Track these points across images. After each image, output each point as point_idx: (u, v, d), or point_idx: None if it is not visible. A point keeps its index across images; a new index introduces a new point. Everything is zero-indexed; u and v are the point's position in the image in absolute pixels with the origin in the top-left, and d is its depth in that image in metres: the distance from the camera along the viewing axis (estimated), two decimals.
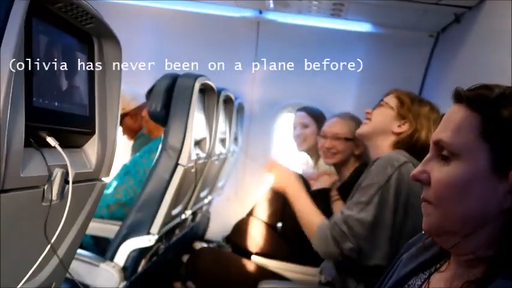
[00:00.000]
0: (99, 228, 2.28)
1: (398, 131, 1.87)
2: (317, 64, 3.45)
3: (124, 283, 1.86)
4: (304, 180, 2.80)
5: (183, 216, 2.36)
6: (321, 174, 2.70)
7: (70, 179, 0.95)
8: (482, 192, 0.79)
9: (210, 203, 3.16)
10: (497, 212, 0.78)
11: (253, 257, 2.58)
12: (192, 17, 3.45)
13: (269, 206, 2.92)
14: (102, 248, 2.13)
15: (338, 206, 2.43)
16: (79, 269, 1.82)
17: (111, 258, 1.92)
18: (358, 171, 2.51)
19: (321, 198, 2.54)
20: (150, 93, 2.75)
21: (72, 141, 1.05)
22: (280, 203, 2.82)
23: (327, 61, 3.38)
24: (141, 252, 1.97)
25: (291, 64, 3.41)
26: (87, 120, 1.09)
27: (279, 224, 2.93)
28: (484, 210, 0.79)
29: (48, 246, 0.92)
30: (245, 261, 2.43)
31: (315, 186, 2.66)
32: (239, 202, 3.69)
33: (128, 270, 1.91)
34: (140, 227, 1.94)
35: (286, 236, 2.68)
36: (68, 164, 0.94)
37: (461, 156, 0.81)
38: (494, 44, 2.24)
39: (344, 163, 2.67)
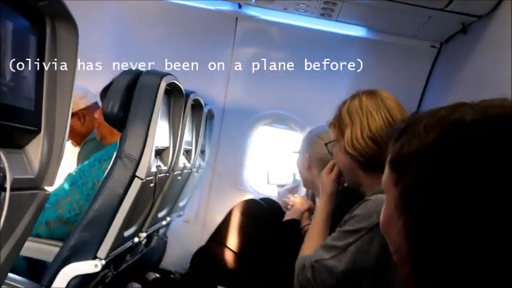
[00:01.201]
0: (35, 248, 2.20)
1: (351, 152, 1.87)
2: (302, 69, 3.47)
3: None
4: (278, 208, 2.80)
5: (136, 240, 2.31)
6: (293, 204, 2.72)
7: (8, 185, 0.91)
8: None
9: (168, 225, 3.11)
10: None
11: None
12: (160, 6, 3.41)
13: (235, 231, 2.89)
14: (37, 273, 2.07)
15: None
16: None
17: (48, 286, 1.86)
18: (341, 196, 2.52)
19: (290, 230, 2.54)
20: (105, 92, 2.70)
21: (11, 139, 1.01)
22: (253, 228, 2.79)
23: (315, 66, 3.40)
24: (85, 279, 1.92)
25: (272, 67, 3.41)
26: (32, 115, 1.05)
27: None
28: None
29: None
30: None
31: (286, 216, 2.67)
32: (201, 225, 3.64)
33: None
34: (85, 250, 1.89)
35: (258, 267, 2.65)
36: (6, 167, 0.90)
37: None
38: (504, 59, 2.27)
39: None
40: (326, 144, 2.20)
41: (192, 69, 3.07)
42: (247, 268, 2.65)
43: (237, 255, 2.78)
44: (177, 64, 3.01)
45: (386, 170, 0.93)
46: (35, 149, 1.07)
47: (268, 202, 3.02)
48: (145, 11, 3.45)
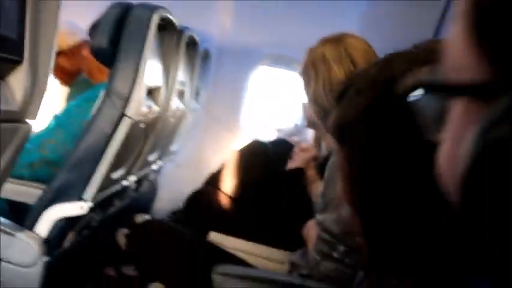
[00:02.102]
0: (18, 190, 2.23)
1: (313, 106, 1.90)
2: (309, 7, 3.45)
3: (45, 258, 1.85)
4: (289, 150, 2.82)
5: (124, 183, 2.35)
6: (296, 152, 2.73)
7: None
8: None
9: (159, 170, 3.15)
10: None
11: (211, 234, 2.59)
12: None
13: (234, 175, 2.92)
14: (20, 216, 2.11)
15: (316, 190, 2.46)
16: None
17: (31, 228, 1.90)
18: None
19: (294, 181, 2.57)
20: (94, 28, 2.70)
21: None
22: (249, 173, 2.82)
23: (320, 7, 3.37)
24: (69, 222, 1.96)
25: (274, 4, 3.39)
26: (14, 44, 1.07)
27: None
28: None
29: None
30: (200, 239, 2.44)
31: (290, 165, 2.68)
32: (195, 170, 3.67)
33: (51, 243, 1.89)
34: (70, 191, 1.92)
35: (253, 213, 2.70)
36: None
37: None
38: None
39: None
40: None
41: (188, 4, 3.04)
42: (244, 215, 2.69)
43: (234, 201, 2.82)
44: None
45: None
46: (18, 81, 1.09)
47: (278, 144, 3.02)
48: None
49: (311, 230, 2.00)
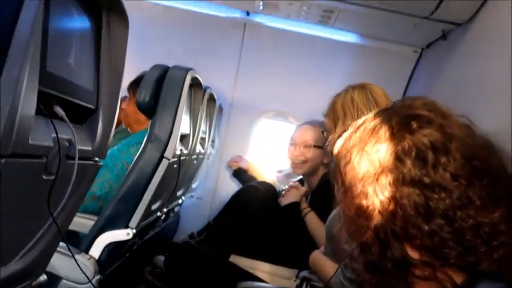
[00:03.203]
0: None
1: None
2: (301, 70, 3.49)
3: (98, 276, 1.81)
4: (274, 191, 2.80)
5: (158, 214, 2.32)
6: (289, 189, 2.71)
7: (76, 153, 0.92)
8: None
9: (182, 203, 3.12)
10: None
11: (232, 256, 2.55)
12: (177, 13, 3.40)
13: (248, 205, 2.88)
14: (71, 243, 2.07)
15: (311, 219, 2.44)
16: (52, 259, 1.76)
17: (86, 251, 1.87)
18: (326, 179, 2.55)
19: (291, 213, 2.55)
20: (132, 85, 2.69)
21: (75, 115, 1.01)
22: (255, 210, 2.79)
23: (312, 68, 3.42)
24: (118, 246, 1.93)
25: (275, 68, 3.43)
26: (92, 95, 1.06)
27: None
28: None
29: (50, 220, 0.88)
30: (224, 260, 2.41)
31: (284, 201, 2.66)
32: (209, 204, 3.64)
33: (102, 264, 1.86)
34: (119, 220, 1.90)
35: (265, 237, 2.67)
36: (75, 138, 0.91)
37: None
38: (478, 63, 2.28)
39: (313, 172, 2.70)
40: (322, 132, 2.20)
41: (205, 68, 3.06)
42: (257, 241, 2.66)
43: (248, 228, 2.78)
44: (194, 62, 3.00)
45: None
46: (93, 125, 1.08)
47: (264, 185, 3.01)
48: (159, 17, 3.44)
49: (320, 260, 1.96)
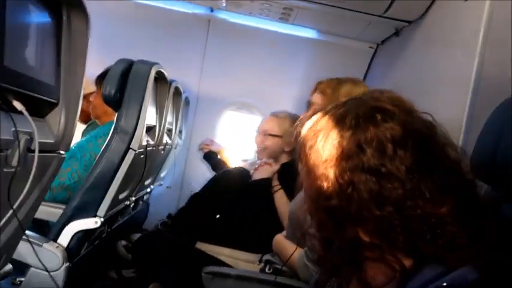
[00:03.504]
0: (40, 210, 2.13)
1: None
2: (263, 65, 3.49)
3: (67, 264, 1.77)
4: (246, 174, 2.79)
5: (127, 202, 2.28)
6: (262, 164, 2.71)
7: (36, 146, 0.89)
8: None
9: (150, 192, 3.08)
10: None
11: (198, 243, 2.53)
12: (142, 9, 3.33)
13: (212, 196, 2.86)
14: (41, 231, 2.02)
15: (280, 196, 2.44)
16: (20, 248, 1.71)
17: (55, 239, 1.82)
18: (285, 166, 2.58)
19: (263, 189, 2.55)
20: (99, 78, 2.64)
21: (36, 109, 0.98)
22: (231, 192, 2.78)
23: (273, 62, 3.43)
24: (86, 234, 1.89)
25: (238, 62, 3.42)
26: (53, 89, 1.03)
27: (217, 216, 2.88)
28: None
29: (11, 211, 0.85)
30: (189, 246, 2.39)
31: (256, 175, 2.66)
32: (178, 193, 3.62)
33: (71, 252, 1.82)
34: (87, 209, 1.85)
35: (227, 225, 2.66)
36: (35, 131, 0.88)
37: None
38: (428, 58, 2.31)
39: (275, 159, 2.72)
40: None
41: (171, 63, 3.02)
42: (222, 226, 2.64)
43: (214, 215, 2.76)
44: (160, 56, 2.95)
45: None
46: (54, 119, 1.05)
47: (237, 169, 2.99)
48: (126, 13, 3.38)
49: (282, 243, 1.96)
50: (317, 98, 1.98)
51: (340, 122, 0.85)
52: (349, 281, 0.95)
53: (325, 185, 0.83)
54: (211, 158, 3.42)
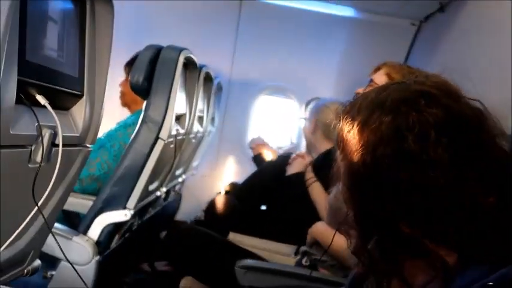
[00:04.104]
0: (70, 202, 2.16)
1: None
2: (299, 46, 3.47)
3: (97, 257, 1.82)
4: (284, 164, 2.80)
5: (158, 193, 2.32)
6: (295, 158, 2.71)
7: (60, 141, 0.91)
8: None
9: (183, 182, 3.12)
10: None
11: (230, 234, 2.57)
12: None
13: (250, 188, 2.89)
14: (72, 223, 2.08)
15: (316, 189, 2.43)
16: (50, 241, 1.77)
17: (84, 232, 1.87)
18: (322, 156, 2.57)
19: (297, 184, 2.55)
20: (128, 65, 2.68)
21: (60, 102, 1.01)
22: (263, 187, 2.79)
23: (309, 44, 3.40)
24: (116, 227, 1.94)
25: (273, 44, 3.41)
26: (76, 81, 1.05)
27: (263, 207, 2.91)
28: None
29: (36, 208, 0.88)
30: (221, 239, 2.42)
31: (289, 170, 2.67)
32: (211, 182, 3.66)
33: (101, 245, 1.87)
34: (116, 201, 1.90)
35: (267, 219, 2.68)
36: (58, 125, 0.90)
37: None
38: (477, 36, 2.25)
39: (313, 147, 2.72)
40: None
41: (202, 47, 3.04)
42: (256, 217, 2.67)
43: (248, 205, 2.79)
44: (191, 41, 2.97)
45: None
46: (79, 111, 1.07)
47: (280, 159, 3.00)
48: None
49: (325, 229, 1.98)
50: (381, 80, 1.96)
51: (380, 106, 0.83)
52: (389, 280, 0.94)
53: (362, 172, 0.82)
54: (260, 161, 3.36)
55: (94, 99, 1.11)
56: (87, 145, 1.14)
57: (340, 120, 0.91)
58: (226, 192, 2.99)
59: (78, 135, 1.06)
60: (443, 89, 0.83)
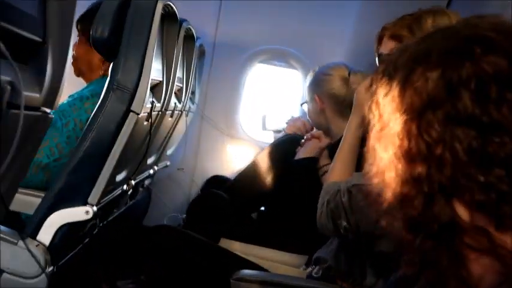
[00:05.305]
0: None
1: None
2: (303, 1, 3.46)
3: (50, 268, 1.79)
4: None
5: (125, 187, 2.30)
6: (309, 138, 2.69)
7: (22, 101, 0.89)
8: None
9: (154, 175, 3.10)
10: None
11: (222, 240, 2.57)
12: None
13: (249, 186, 2.88)
14: (12, 226, 2.06)
15: None
16: None
17: (33, 236, 1.84)
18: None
19: (305, 171, 2.54)
20: (82, 21, 2.62)
21: (16, 51, 0.98)
22: (263, 185, 2.78)
23: None
24: (73, 229, 1.92)
25: None
26: (36, 23, 1.02)
27: (262, 208, 2.91)
28: None
29: None
30: (213, 245, 2.42)
31: (300, 154, 2.65)
32: (189, 176, 3.65)
33: (54, 252, 1.84)
34: (74, 195, 1.88)
35: (268, 221, 2.68)
36: (20, 80, 0.88)
37: None
38: None
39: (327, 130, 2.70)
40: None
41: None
42: (253, 220, 2.67)
43: (243, 204, 2.78)
44: None
45: None
46: (40, 64, 1.05)
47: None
48: None
49: None
50: (389, 47, 1.95)
51: (423, 60, 0.83)
52: (446, 282, 0.94)
53: (405, 144, 0.82)
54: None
55: (58, 49, 1.08)
56: (47, 111, 1.11)
57: (372, 84, 0.91)
58: (212, 189, 2.96)
59: (38, 95, 1.04)
60: (504, 31, 0.83)
